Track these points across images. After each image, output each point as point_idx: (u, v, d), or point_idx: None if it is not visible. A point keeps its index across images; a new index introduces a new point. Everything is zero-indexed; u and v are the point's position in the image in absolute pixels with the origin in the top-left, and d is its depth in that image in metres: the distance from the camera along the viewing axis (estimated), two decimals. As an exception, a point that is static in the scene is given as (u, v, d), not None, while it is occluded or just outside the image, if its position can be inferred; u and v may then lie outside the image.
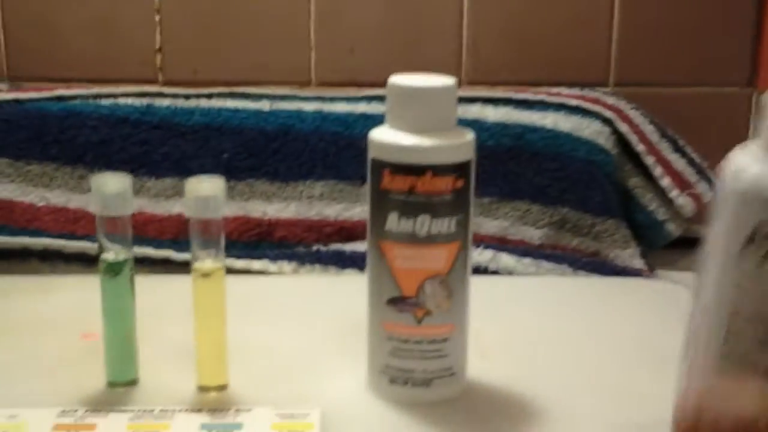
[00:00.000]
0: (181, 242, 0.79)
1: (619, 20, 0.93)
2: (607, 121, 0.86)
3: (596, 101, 0.87)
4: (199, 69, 0.93)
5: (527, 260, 0.76)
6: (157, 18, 0.92)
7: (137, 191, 0.80)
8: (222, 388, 0.52)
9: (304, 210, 0.83)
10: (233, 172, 0.81)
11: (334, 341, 0.60)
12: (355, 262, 0.74)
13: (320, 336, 0.61)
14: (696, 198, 0.83)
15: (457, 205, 0.49)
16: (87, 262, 0.73)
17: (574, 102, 0.86)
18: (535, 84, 0.91)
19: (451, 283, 0.50)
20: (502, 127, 0.84)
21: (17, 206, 0.80)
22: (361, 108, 0.85)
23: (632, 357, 0.58)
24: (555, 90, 0.89)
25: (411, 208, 0.48)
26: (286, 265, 0.74)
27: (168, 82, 0.92)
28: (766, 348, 0.39)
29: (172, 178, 0.82)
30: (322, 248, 0.80)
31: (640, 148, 0.85)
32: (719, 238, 0.40)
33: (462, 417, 0.50)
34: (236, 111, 0.85)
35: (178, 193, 0.82)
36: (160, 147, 0.83)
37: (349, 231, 0.82)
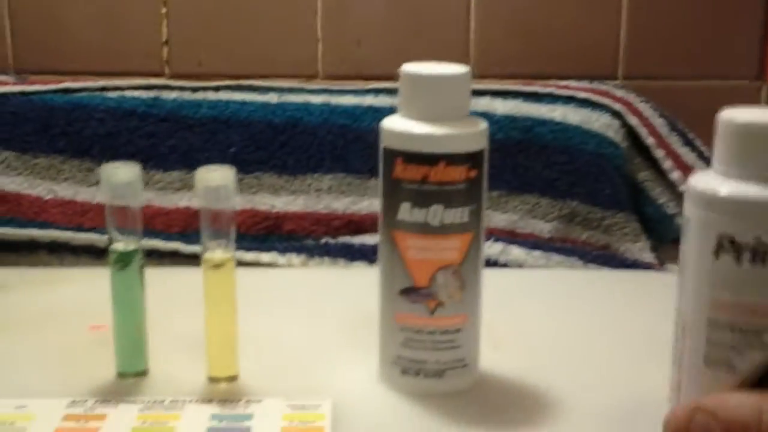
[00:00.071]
0: (189, 235, 0.78)
1: (628, 13, 0.92)
2: (616, 114, 0.85)
3: (605, 94, 0.87)
4: (206, 62, 0.93)
5: (537, 253, 0.75)
6: (163, 11, 0.91)
7: (144, 184, 0.79)
8: (232, 379, 0.52)
9: (312, 203, 0.82)
10: (241, 165, 0.80)
11: (344, 333, 0.59)
12: (364, 254, 0.74)
13: (330, 328, 0.60)
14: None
15: (471, 195, 0.49)
16: (95, 254, 0.72)
17: (583, 95, 0.86)
18: (543, 77, 0.91)
19: (464, 273, 0.49)
20: (510, 120, 0.84)
21: (24, 199, 0.80)
22: (369, 100, 0.85)
23: (642, 350, 0.57)
24: (564, 83, 0.89)
25: (424, 197, 0.48)
26: (295, 258, 0.74)
27: (174, 75, 0.92)
28: (744, 354, 0.41)
29: (179, 171, 0.82)
30: (331, 241, 0.80)
31: (649, 141, 0.84)
32: (691, 251, 0.42)
33: (474, 408, 0.50)
34: (244, 104, 0.84)
35: (186, 186, 0.82)
36: (167, 140, 0.83)
37: (358, 224, 0.82)
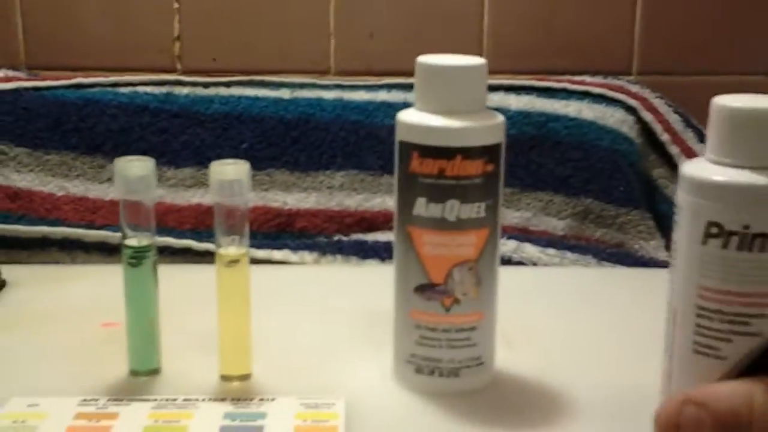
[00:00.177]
0: (200, 232, 0.78)
1: (642, 8, 0.91)
2: (631, 110, 0.84)
3: (620, 89, 0.86)
4: (218, 57, 0.92)
5: (551, 251, 0.75)
6: (175, 6, 0.91)
7: (156, 181, 0.79)
8: (245, 377, 0.52)
9: (324, 200, 0.82)
10: (252, 161, 0.79)
11: (357, 331, 0.59)
12: (377, 252, 0.74)
13: (343, 326, 0.60)
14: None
15: (487, 190, 0.48)
16: (107, 251, 0.72)
17: (597, 90, 0.85)
18: (557, 72, 0.90)
19: (480, 270, 0.49)
20: (524, 116, 0.83)
21: (36, 196, 0.80)
22: (382, 96, 0.84)
23: (656, 348, 0.57)
24: (578, 78, 0.88)
25: (440, 192, 0.47)
26: (308, 255, 0.73)
27: (186, 71, 0.92)
28: (732, 342, 0.41)
29: (191, 167, 0.82)
30: (344, 238, 0.79)
31: (664, 137, 0.84)
32: (681, 239, 0.43)
33: (490, 407, 0.50)
34: (256, 99, 0.84)
35: (198, 182, 0.81)
36: (179, 135, 0.82)
37: (370, 221, 0.81)
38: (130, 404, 0.48)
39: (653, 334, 0.59)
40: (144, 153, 0.49)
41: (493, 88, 0.84)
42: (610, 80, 0.88)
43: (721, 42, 0.92)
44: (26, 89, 0.83)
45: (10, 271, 0.67)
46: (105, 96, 0.83)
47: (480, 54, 0.90)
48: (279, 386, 0.51)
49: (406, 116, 0.49)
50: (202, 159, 0.81)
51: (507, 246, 0.74)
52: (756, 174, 0.40)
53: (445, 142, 0.47)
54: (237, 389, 0.51)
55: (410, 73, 0.50)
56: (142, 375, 0.52)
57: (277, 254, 0.73)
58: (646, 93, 0.87)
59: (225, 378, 0.51)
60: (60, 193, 0.80)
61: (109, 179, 0.80)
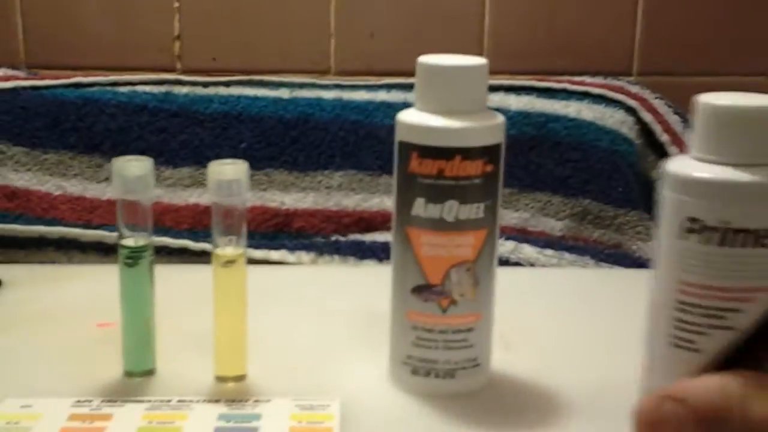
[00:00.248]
0: (197, 232, 0.78)
1: (643, 8, 0.91)
2: (631, 111, 0.84)
3: (620, 90, 0.86)
4: (218, 57, 0.92)
5: (549, 251, 0.75)
6: (175, 5, 0.91)
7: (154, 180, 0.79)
8: (240, 378, 0.51)
9: (322, 200, 0.82)
10: (251, 161, 0.79)
11: (354, 332, 0.59)
12: (375, 252, 0.73)
13: (340, 327, 0.60)
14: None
15: (486, 191, 0.48)
16: (103, 251, 0.72)
17: (597, 91, 0.85)
18: (557, 72, 0.90)
19: (478, 271, 0.49)
20: (524, 116, 0.83)
21: (34, 195, 0.79)
22: (382, 96, 0.84)
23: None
24: (578, 79, 0.88)
25: (439, 192, 0.47)
26: (305, 256, 0.73)
27: (186, 70, 0.92)
28: (710, 336, 0.41)
29: (189, 167, 0.82)
30: (341, 239, 0.79)
31: (664, 138, 0.84)
32: (662, 234, 0.43)
33: (486, 409, 0.49)
34: (255, 99, 0.84)
35: (195, 182, 0.81)
36: (178, 135, 0.82)
37: (368, 221, 0.81)
38: (124, 405, 0.48)
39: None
40: (142, 152, 0.48)
41: (493, 89, 0.84)
42: (610, 81, 0.88)
43: (721, 43, 0.92)
44: (25, 88, 0.83)
45: (6, 271, 0.66)
46: (104, 95, 0.83)
47: (480, 54, 0.90)
48: (274, 387, 0.51)
49: (405, 116, 0.48)
50: (200, 158, 0.81)
51: (505, 247, 0.74)
52: (737, 171, 0.41)
53: (445, 143, 0.47)
54: (232, 390, 0.50)
55: (411, 73, 0.49)
56: (136, 376, 0.51)
57: (274, 254, 0.73)
58: (646, 94, 0.86)
59: (220, 379, 0.51)
60: (57, 193, 0.80)
61: (107, 179, 0.80)
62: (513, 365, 0.54)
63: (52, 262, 0.72)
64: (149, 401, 0.49)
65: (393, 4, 0.91)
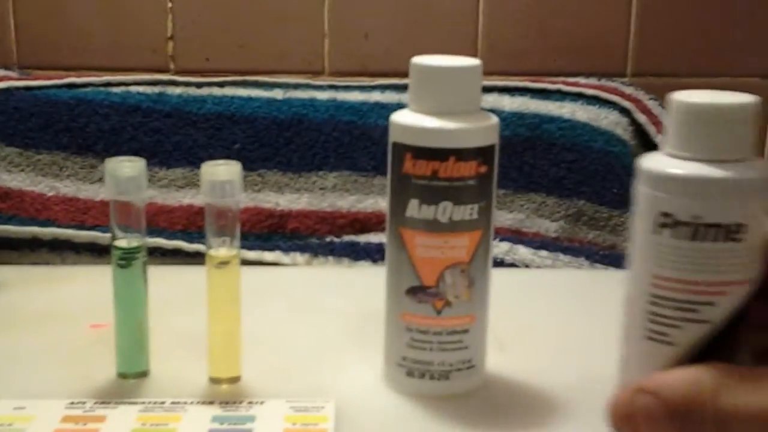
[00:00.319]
0: (191, 233, 0.78)
1: (637, 9, 0.91)
2: (625, 112, 0.84)
3: (614, 91, 0.86)
4: (211, 57, 0.92)
5: (544, 253, 0.74)
6: (169, 5, 0.91)
7: (147, 181, 0.79)
8: (234, 380, 0.51)
9: (316, 201, 0.81)
10: (245, 162, 0.79)
11: (348, 333, 0.59)
12: (369, 253, 0.73)
13: (334, 328, 0.60)
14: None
15: (481, 192, 0.48)
16: (97, 252, 0.72)
17: (591, 92, 0.85)
18: (552, 73, 0.90)
19: (472, 272, 0.48)
20: (518, 117, 0.83)
21: (27, 195, 0.79)
22: (376, 97, 0.84)
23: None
24: (572, 80, 0.88)
25: (433, 194, 0.47)
26: (299, 257, 0.73)
27: (180, 71, 0.92)
28: (683, 329, 0.42)
29: (183, 168, 0.81)
30: (336, 240, 0.79)
31: (658, 139, 0.84)
32: (636, 229, 0.44)
33: (481, 410, 0.49)
34: (249, 99, 0.84)
35: (189, 183, 0.81)
36: (171, 136, 0.82)
37: (363, 222, 0.81)
38: (117, 407, 0.48)
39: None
40: (136, 153, 0.48)
41: (487, 89, 0.84)
42: (604, 82, 0.88)
43: (714, 44, 0.92)
44: (17, 89, 0.83)
45: (-1, 272, 0.66)
46: (97, 96, 0.83)
47: (474, 55, 0.90)
48: (268, 389, 0.51)
49: (399, 117, 0.48)
50: (194, 159, 0.81)
51: (500, 248, 0.74)
52: (709, 167, 0.41)
53: (439, 144, 0.47)
54: (226, 392, 0.50)
55: (405, 74, 0.49)
56: (130, 377, 0.51)
57: (268, 255, 0.72)
58: (640, 95, 0.86)
59: (214, 380, 0.51)
60: (50, 194, 0.80)
61: (100, 179, 0.80)
62: (508, 366, 0.54)
63: (46, 263, 0.72)
64: (143, 403, 0.48)
65: (387, 5, 0.91)
